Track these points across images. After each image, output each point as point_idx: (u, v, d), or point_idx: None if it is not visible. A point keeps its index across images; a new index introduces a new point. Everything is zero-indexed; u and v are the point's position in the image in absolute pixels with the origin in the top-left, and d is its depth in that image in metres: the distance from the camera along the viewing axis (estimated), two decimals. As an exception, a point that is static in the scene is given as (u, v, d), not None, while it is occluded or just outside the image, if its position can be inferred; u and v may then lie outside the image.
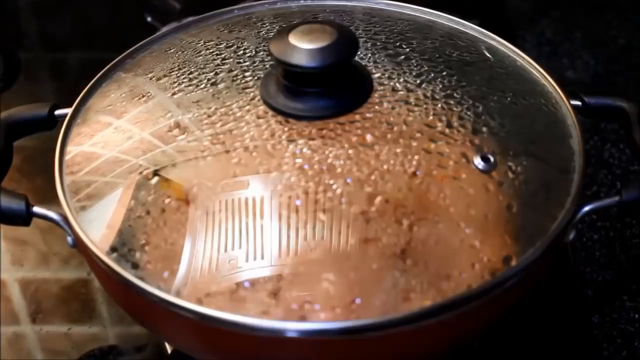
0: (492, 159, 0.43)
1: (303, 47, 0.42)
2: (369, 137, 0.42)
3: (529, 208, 0.42)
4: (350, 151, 0.42)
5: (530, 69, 0.50)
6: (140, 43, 0.53)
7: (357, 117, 0.43)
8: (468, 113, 0.44)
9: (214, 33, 0.51)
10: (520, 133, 0.45)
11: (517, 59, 0.51)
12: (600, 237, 0.56)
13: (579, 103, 0.50)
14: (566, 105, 0.48)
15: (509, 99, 0.47)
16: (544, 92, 0.49)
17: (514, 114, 0.46)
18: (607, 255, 0.56)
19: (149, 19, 0.79)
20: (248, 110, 0.44)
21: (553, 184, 0.44)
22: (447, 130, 0.43)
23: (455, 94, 0.45)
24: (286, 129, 0.43)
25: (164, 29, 0.54)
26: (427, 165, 0.42)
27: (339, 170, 0.41)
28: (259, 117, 0.44)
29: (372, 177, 0.41)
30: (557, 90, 0.49)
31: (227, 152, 0.43)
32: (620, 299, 0.53)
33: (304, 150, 0.42)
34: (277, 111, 0.43)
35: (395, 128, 0.43)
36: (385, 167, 0.41)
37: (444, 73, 0.46)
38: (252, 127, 0.43)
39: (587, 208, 0.44)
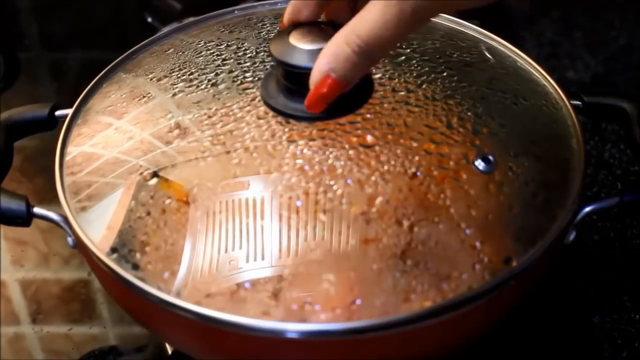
0: (492, 159, 0.43)
1: (303, 47, 0.42)
2: (369, 138, 0.42)
3: (530, 209, 0.42)
4: (350, 152, 0.42)
5: (531, 70, 0.50)
6: (141, 44, 0.53)
7: (358, 117, 0.43)
8: (468, 114, 0.44)
9: (214, 34, 0.51)
10: (521, 133, 0.45)
11: (518, 59, 0.51)
12: (601, 238, 0.56)
13: (579, 103, 0.50)
14: (567, 106, 0.48)
15: (509, 99, 0.47)
16: (544, 93, 0.49)
17: (514, 114, 0.46)
18: (607, 255, 0.56)
19: (149, 19, 0.79)
20: (248, 111, 0.44)
21: (553, 185, 0.44)
22: (447, 131, 0.43)
23: (455, 95, 0.45)
24: (286, 129, 0.43)
25: (165, 30, 0.54)
26: (428, 166, 0.42)
27: (339, 171, 0.41)
28: (259, 118, 0.44)
29: (373, 178, 0.41)
30: (557, 91, 0.49)
31: (228, 152, 0.43)
32: (620, 299, 0.53)
33: (305, 151, 0.42)
34: (278, 112, 0.43)
35: (396, 129, 0.43)
36: (385, 167, 0.41)
37: (445, 74, 0.46)
38: (252, 127, 0.43)
39: (587, 209, 0.44)
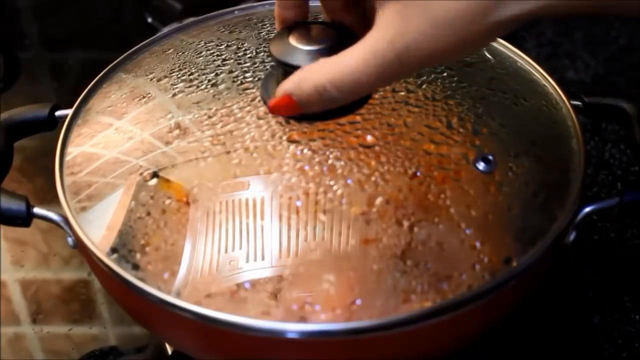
0: (492, 159, 0.43)
1: (303, 48, 0.42)
2: (369, 138, 0.42)
3: (530, 209, 0.42)
4: (350, 152, 0.42)
5: (531, 70, 0.50)
6: (141, 44, 0.53)
7: (358, 118, 0.43)
8: (468, 114, 0.44)
9: (214, 34, 0.51)
10: (521, 134, 0.45)
11: (518, 59, 0.51)
12: (601, 238, 0.56)
13: (579, 103, 0.50)
14: (567, 106, 0.48)
15: (509, 99, 0.47)
16: (544, 93, 0.49)
17: (514, 114, 0.46)
18: (607, 255, 0.56)
19: (149, 19, 0.79)
20: (248, 111, 0.44)
21: (554, 185, 0.44)
22: (447, 131, 0.43)
23: (455, 95, 0.45)
24: (287, 129, 0.43)
25: (165, 30, 0.54)
26: (428, 166, 0.42)
27: (339, 171, 0.41)
28: (259, 118, 0.44)
29: (373, 178, 0.41)
30: (557, 91, 0.49)
31: (228, 152, 0.43)
32: (621, 299, 0.53)
33: (305, 151, 0.42)
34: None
35: (396, 129, 0.43)
36: (385, 168, 0.41)
37: (445, 74, 0.46)
38: (252, 127, 0.43)
39: (587, 209, 0.44)
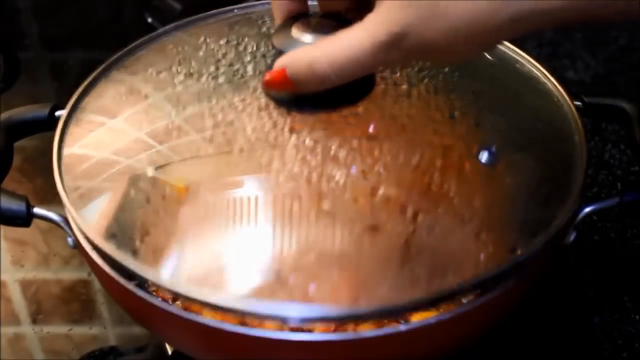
0: (493, 153, 0.43)
1: (305, 39, 0.41)
2: (371, 129, 0.42)
3: (530, 207, 0.42)
4: (353, 143, 0.42)
5: (531, 69, 0.50)
6: (138, 41, 0.53)
7: (360, 109, 0.43)
8: (470, 107, 0.44)
9: (213, 31, 0.51)
10: (522, 133, 0.45)
11: (519, 59, 0.51)
12: (601, 238, 0.56)
13: (579, 103, 0.50)
14: (568, 104, 0.48)
15: (510, 98, 0.47)
16: (545, 92, 0.49)
17: (515, 112, 0.46)
18: (607, 255, 0.56)
19: (149, 19, 0.79)
20: (250, 103, 0.44)
21: (554, 184, 0.44)
22: (449, 124, 0.43)
23: (457, 89, 0.45)
24: (288, 120, 0.43)
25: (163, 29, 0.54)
26: (430, 157, 0.42)
27: (342, 161, 0.41)
28: (260, 110, 0.43)
29: (375, 169, 0.41)
30: (558, 90, 0.49)
31: (229, 144, 0.43)
32: (621, 299, 0.53)
33: (307, 141, 0.42)
34: (280, 103, 0.43)
35: (398, 120, 0.43)
36: (388, 158, 0.41)
37: (446, 69, 0.46)
38: (254, 119, 0.43)
39: (587, 209, 0.44)
